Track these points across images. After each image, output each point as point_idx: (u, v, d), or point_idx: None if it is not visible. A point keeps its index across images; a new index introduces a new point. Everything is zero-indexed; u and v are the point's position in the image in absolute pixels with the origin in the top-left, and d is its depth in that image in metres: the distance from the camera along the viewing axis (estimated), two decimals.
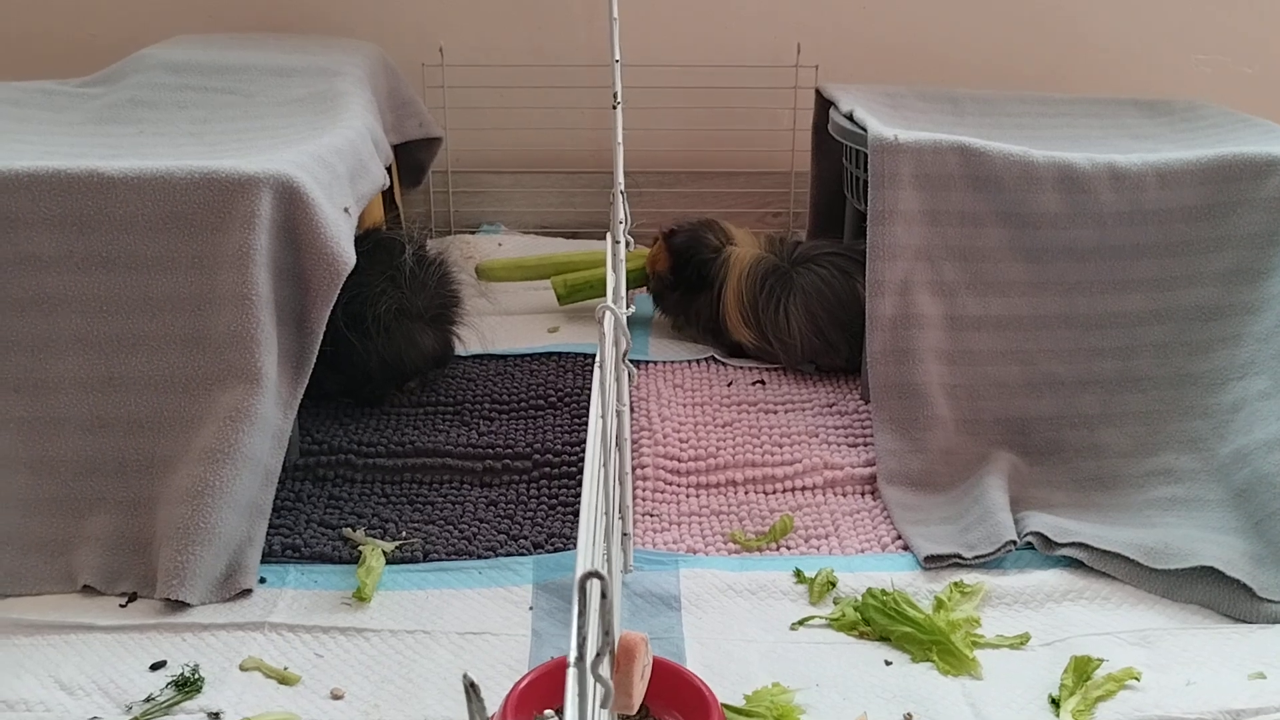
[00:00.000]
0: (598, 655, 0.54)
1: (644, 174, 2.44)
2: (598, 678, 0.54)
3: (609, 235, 1.23)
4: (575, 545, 1.20)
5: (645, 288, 2.18)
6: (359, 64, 2.00)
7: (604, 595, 0.55)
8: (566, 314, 2.11)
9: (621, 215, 1.26)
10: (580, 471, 1.40)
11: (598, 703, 0.55)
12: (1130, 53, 2.44)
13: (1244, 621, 1.35)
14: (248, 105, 1.82)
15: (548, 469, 1.63)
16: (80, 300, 1.44)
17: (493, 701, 1.18)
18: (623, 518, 1.39)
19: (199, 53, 1.99)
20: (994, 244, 1.69)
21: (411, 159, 2.29)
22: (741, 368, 1.96)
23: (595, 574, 0.55)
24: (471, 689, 0.50)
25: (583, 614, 0.54)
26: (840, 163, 2.00)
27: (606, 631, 0.55)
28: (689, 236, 1.99)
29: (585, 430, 1.00)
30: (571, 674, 0.53)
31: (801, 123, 2.30)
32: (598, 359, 0.90)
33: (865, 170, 1.72)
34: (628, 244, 1.26)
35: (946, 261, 1.69)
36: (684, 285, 1.97)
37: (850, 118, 1.87)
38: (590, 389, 1.05)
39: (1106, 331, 1.67)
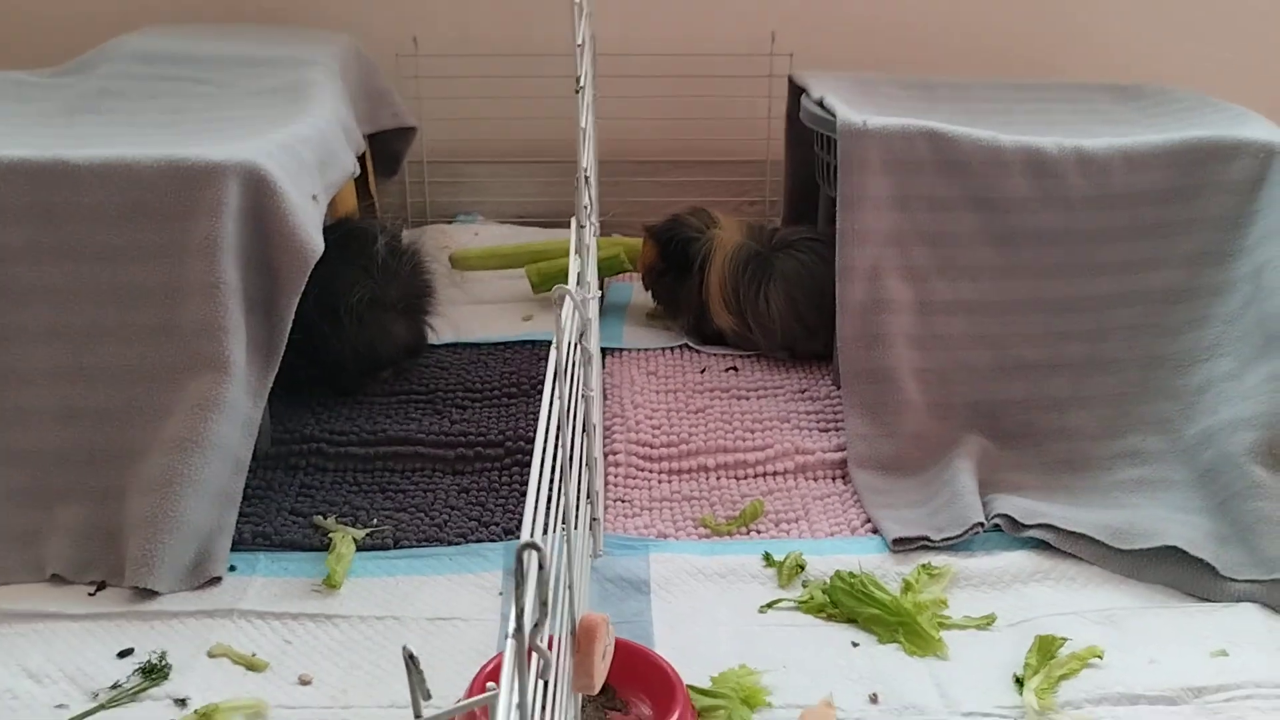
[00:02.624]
0: (535, 626, 0.54)
1: (621, 163, 2.44)
2: (535, 648, 0.54)
3: (573, 221, 1.23)
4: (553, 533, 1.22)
5: (619, 276, 2.19)
6: (331, 54, 2.00)
7: (541, 566, 0.56)
8: (541, 302, 2.12)
9: (585, 200, 1.25)
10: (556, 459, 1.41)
11: (536, 673, 0.56)
12: (1107, 38, 2.45)
13: (1208, 600, 1.36)
14: (219, 95, 1.81)
15: (520, 456, 1.64)
16: (49, 290, 1.44)
17: (461, 685, 1.19)
18: (592, 503, 1.40)
19: (170, 42, 1.99)
20: (963, 228, 1.69)
21: (387, 149, 2.30)
22: (715, 354, 1.97)
23: (531, 544, 0.55)
24: (410, 660, 0.51)
25: (520, 586, 0.54)
26: (813, 150, 2.01)
27: (544, 602, 0.56)
28: (669, 221, 2.02)
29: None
30: (509, 645, 0.54)
31: (777, 111, 2.31)
32: (553, 341, 0.91)
33: (836, 156, 1.73)
34: (595, 230, 1.26)
35: (916, 246, 1.69)
36: (673, 268, 1.98)
37: (821, 104, 1.88)
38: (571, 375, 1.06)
39: (1076, 315, 1.68)
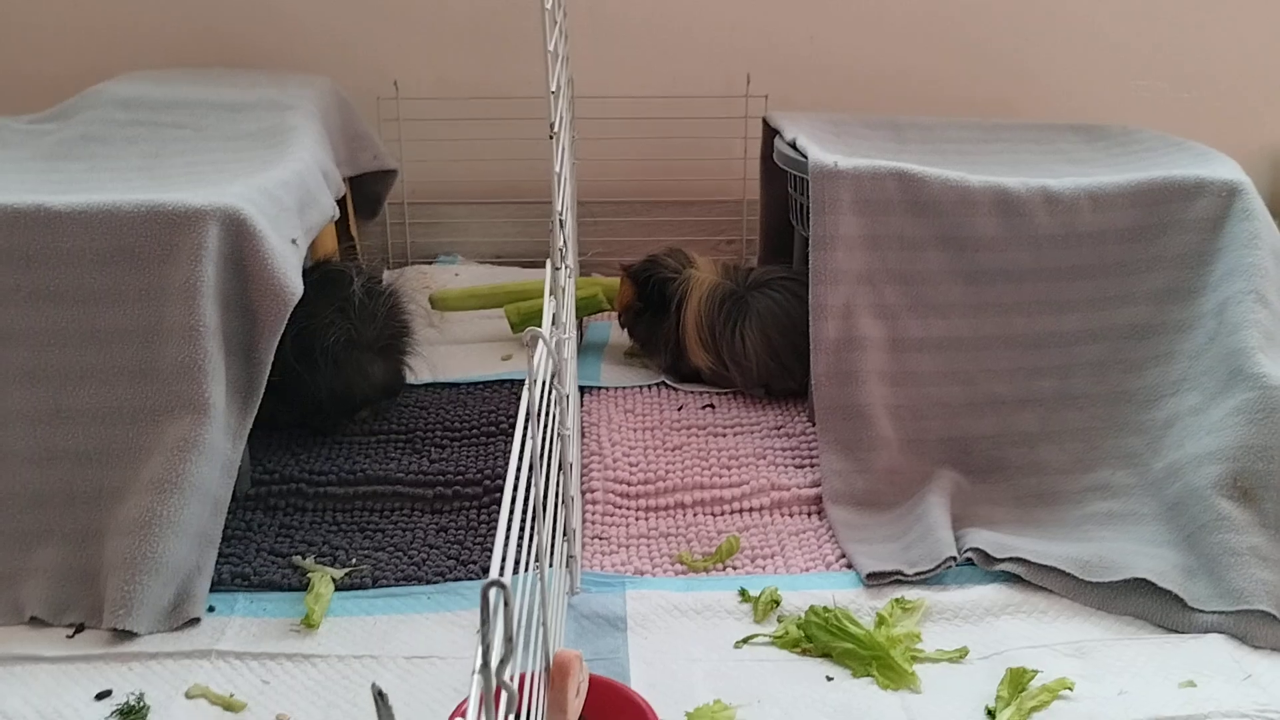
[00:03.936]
0: (502, 662, 0.55)
1: (599, 204, 2.46)
2: (502, 685, 0.55)
3: (548, 263, 1.25)
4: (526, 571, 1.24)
5: (598, 315, 2.20)
6: (311, 98, 2.01)
7: (506, 603, 0.57)
8: (521, 342, 2.13)
9: (561, 242, 1.27)
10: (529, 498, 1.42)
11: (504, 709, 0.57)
12: (1071, 79, 2.49)
13: (1176, 631, 1.37)
14: (198, 140, 1.82)
15: (498, 495, 1.63)
16: (28, 334, 1.44)
17: None
18: (569, 540, 1.40)
19: (151, 88, 2.00)
20: (933, 267, 1.71)
21: (367, 191, 2.30)
22: (692, 392, 1.98)
23: (497, 583, 0.56)
24: (380, 698, 0.52)
25: (485, 624, 0.55)
26: (787, 190, 2.03)
27: (509, 639, 0.57)
28: (646, 261, 2.03)
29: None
30: (475, 681, 0.55)
31: (752, 151, 2.31)
32: (527, 380, 0.91)
33: (809, 197, 1.74)
34: (573, 270, 1.28)
35: (888, 285, 1.71)
36: (650, 307, 1.99)
37: (794, 146, 1.90)
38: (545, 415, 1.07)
39: (1045, 351, 1.69)
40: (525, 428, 0.90)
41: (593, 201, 2.43)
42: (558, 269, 1.25)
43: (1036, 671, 1.28)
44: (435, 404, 1.90)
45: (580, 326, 2.22)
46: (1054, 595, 1.43)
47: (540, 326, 2.24)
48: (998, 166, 1.85)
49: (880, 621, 1.37)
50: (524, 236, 2.49)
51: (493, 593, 0.55)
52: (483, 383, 1.98)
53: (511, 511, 0.79)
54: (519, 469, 0.85)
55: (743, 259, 2.45)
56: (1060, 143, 2.05)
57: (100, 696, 1.26)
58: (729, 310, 1.94)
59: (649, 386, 2.00)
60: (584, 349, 2.14)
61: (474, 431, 1.81)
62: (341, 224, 1.98)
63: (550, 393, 1.14)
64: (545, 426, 1.09)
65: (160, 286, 1.43)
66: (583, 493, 1.65)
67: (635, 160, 2.44)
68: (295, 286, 1.50)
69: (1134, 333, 1.69)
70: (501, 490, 1.60)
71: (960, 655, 1.34)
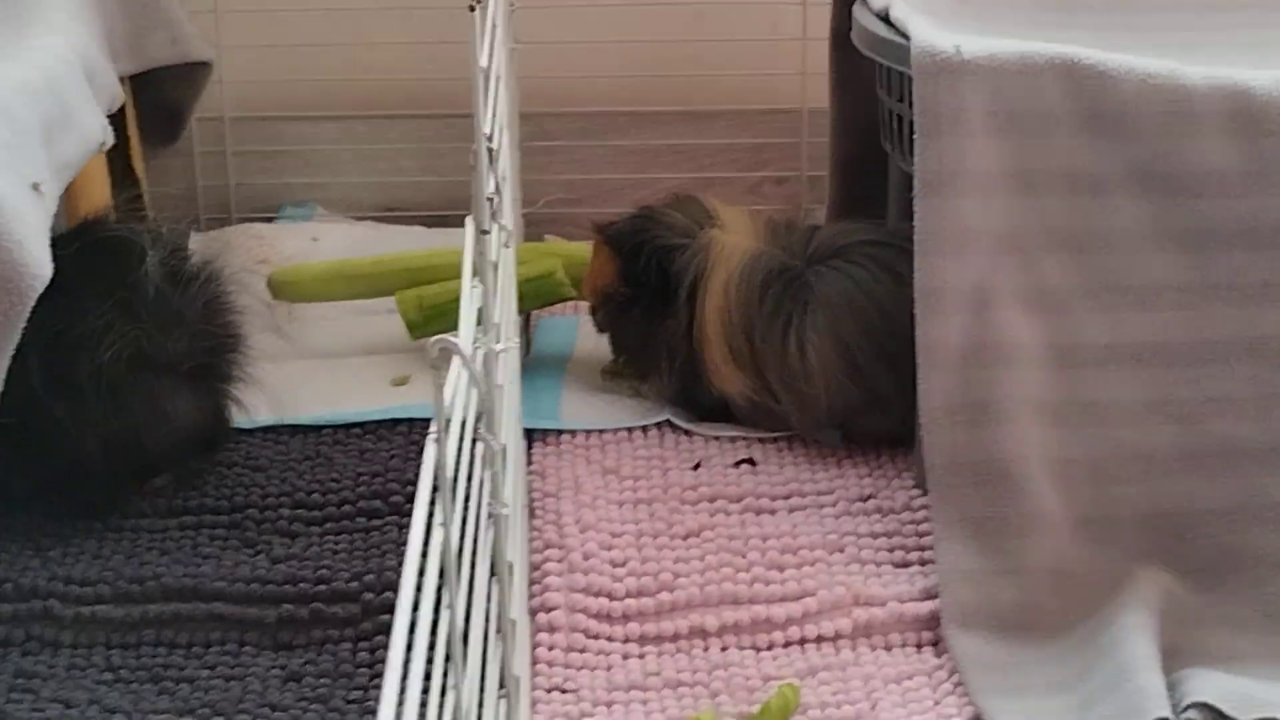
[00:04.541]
0: None
1: (559, 116, 2.49)
2: None
3: (468, 221, 1.24)
4: None
5: (555, 307, 2.22)
6: None
7: None
8: (422, 354, 1.99)
9: (491, 186, 1.26)
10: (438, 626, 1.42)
11: None
12: None
13: None
14: None
15: (386, 618, 1.60)
16: None
17: None
18: (508, 697, 1.35)
19: None
20: (1125, 224, 1.70)
21: (161, 99, 2.29)
22: (716, 438, 1.97)
23: None
24: None
25: None
26: (875, 95, 2.01)
27: None
28: (636, 217, 2.04)
29: None
30: None
31: (817, 28, 2.29)
32: (431, 427, 0.92)
33: (913, 106, 1.73)
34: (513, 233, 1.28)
35: (1048, 254, 1.71)
36: (643, 295, 2.01)
37: (886, 19, 1.88)
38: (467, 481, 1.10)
39: None
40: (431, 503, 0.90)
41: (547, 113, 2.44)
42: (485, 231, 1.24)
43: None
44: (280, 462, 1.89)
45: (526, 327, 2.20)
46: None
47: (456, 329, 2.24)
48: (1234, 52, 1.83)
49: None
50: (430, 174, 2.51)
51: None
52: (361, 425, 1.98)
53: (409, 649, 0.79)
54: (420, 575, 0.85)
55: (802, 211, 2.43)
56: None
57: None
58: (778, 297, 1.92)
59: (643, 429, 2.00)
60: (532, 365, 2.13)
61: (347, 508, 1.80)
62: (118, 156, 1.97)
63: (474, 444, 1.13)
64: (467, 500, 1.10)
65: None
66: (532, 613, 1.64)
67: (622, 46, 2.46)
68: (40, 264, 1.49)
69: None
70: (391, 611, 1.54)
71: None
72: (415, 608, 0.82)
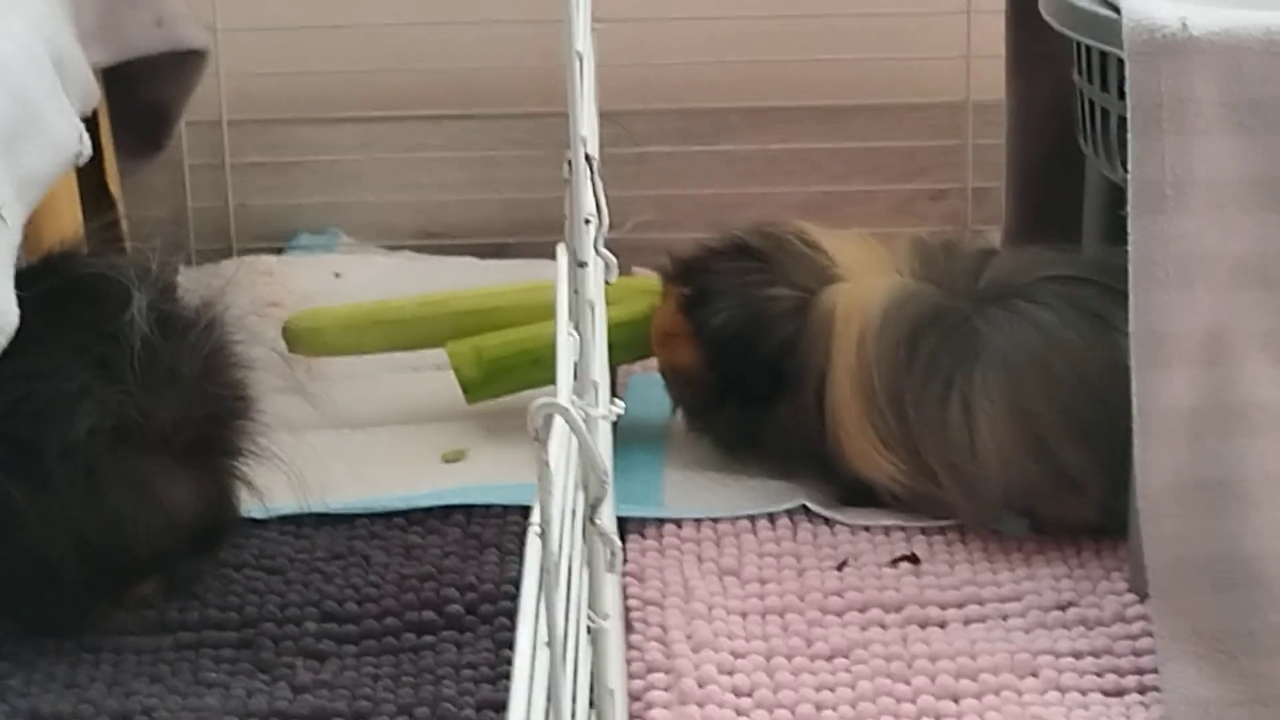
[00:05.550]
0: None
1: (651, 115, 2.47)
2: None
3: (560, 249, 1.21)
4: None
5: (639, 362, 2.17)
6: None
7: None
8: (482, 420, 2.07)
9: (590, 203, 1.22)
10: None
11: None
12: None
13: None
14: None
15: None
16: None
17: None
18: None
19: None
20: None
21: (146, 97, 2.27)
22: (867, 528, 1.89)
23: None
24: None
25: None
26: (1068, 81, 1.93)
27: None
28: (696, 264, 1.96)
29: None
30: None
31: (985, 4, 2.28)
32: (534, 517, 0.86)
33: (1122, 96, 1.64)
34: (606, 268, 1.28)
35: None
36: (737, 389, 1.96)
37: None
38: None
39: None
40: (536, 609, 0.88)
41: (633, 112, 2.41)
42: (583, 263, 1.21)
43: None
44: (304, 563, 1.84)
45: (613, 385, 2.08)
46: None
47: (524, 386, 2.14)
48: None
49: None
50: (480, 191, 2.49)
51: None
52: (405, 514, 1.92)
53: None
54: (529, 704, 0.84)
55: (967, 233, 2.41)
56: None
57: None
58: (935, 349, 1.85)
59: (770, 517, 1.91)
60: (622, 434, 1.97)
61: (388, 623, 1.74)
62: (89, 172, 1.93)
63: (579, 535, 1.13)
64: (567, 609, 1.06)
65: None
66: None
67: (728, 23, 2.42)
68: (4, 312, 1.50)
69: None
70: None
71: None
72: None
